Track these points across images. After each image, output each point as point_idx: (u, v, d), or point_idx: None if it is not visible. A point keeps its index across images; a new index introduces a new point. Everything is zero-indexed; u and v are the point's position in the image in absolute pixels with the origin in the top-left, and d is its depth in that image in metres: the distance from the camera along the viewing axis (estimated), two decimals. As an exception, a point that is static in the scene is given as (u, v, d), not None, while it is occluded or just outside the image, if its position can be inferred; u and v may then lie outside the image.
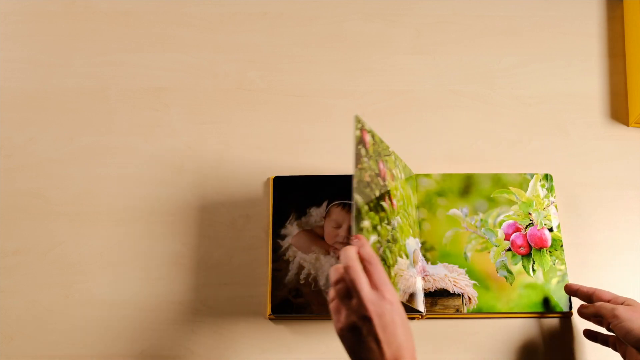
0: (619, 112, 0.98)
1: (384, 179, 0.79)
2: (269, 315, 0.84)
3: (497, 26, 1.03)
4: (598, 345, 0.82)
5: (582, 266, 0.88)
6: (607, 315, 0.74)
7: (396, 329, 0.61)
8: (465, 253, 0.87)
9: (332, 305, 0.64)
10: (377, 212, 0.76)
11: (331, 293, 0.64)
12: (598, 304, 0.76)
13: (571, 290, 0.82)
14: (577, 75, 1.01)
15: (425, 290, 0.85)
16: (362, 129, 0.77)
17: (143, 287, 0.86)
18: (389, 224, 0.78)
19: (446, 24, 1.03)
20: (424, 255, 0.87)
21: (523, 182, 0.91)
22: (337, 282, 0.64)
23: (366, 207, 0.73)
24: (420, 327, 0.85)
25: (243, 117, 0.96)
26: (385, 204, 0.78)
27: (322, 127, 0.96)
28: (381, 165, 0.80)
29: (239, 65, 0.99)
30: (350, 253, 0.64)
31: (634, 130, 0.97)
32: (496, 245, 0.88)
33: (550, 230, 0.88)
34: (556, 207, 0.90)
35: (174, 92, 0.97)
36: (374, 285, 0.63)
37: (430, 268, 0.86)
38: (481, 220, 0.89)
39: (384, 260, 0.74)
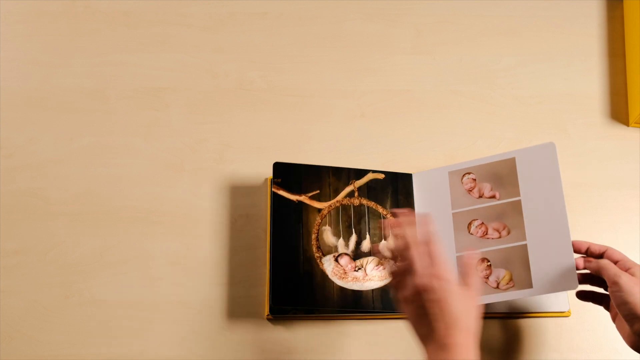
0: (619, 112, 0.98)
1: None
2: (267, 315, 0.84)
3: (497, 26, 1.03)
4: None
5: (582, 266, 0.88)
6: (608, 278, 0.70)
7: (448, 305, 0.62)
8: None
9: (393, 281, 0.68)
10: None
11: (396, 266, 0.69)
12: (604, 261, 0.72)
13: (581, 248, 0.77)
14: (577, 75, 1.00)
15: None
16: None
17: (143, 287, 0.86)
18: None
19: (446, 24, 1.03)
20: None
21: None
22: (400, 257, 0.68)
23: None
24: (420, 327, 0.85)
25: (243, 117, 0.96)
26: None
27: (322, 127, 0.96)
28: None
29: (239, 65, 0.99)
30: (411, 231, 0.68)
31: (634, 130, 0.97)
32: None
33: None
34: None
35: (174, 92, 0.97)
36: (430, 262, 0.65)
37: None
38: None
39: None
